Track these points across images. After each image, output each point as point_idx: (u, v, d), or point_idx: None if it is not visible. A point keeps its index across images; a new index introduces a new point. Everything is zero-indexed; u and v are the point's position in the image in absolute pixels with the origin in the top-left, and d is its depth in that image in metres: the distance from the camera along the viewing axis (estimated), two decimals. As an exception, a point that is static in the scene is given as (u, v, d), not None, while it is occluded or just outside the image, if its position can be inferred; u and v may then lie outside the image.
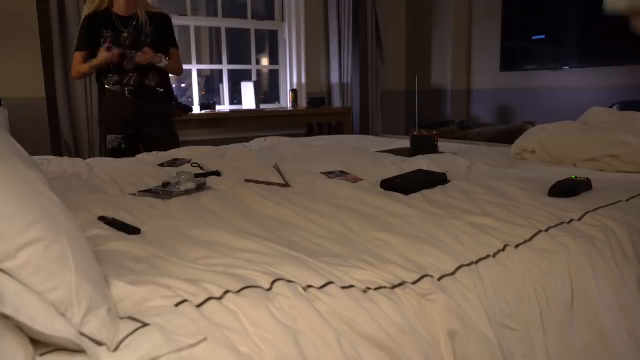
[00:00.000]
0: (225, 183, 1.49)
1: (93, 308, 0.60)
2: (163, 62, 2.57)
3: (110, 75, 2.59)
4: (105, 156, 2.52)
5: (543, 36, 4.22)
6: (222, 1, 4.29)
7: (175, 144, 2.68)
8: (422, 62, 5.06)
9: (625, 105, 3.37)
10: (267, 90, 4.80)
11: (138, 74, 2.59)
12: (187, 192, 1.39)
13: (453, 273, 0.88)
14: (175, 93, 3.97)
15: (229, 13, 4.37)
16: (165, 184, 1.43)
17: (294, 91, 4.44)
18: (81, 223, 1.05)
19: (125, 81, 2.59)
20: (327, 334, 0.69)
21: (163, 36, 2.64)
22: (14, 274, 0.56)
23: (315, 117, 4.49)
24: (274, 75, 4.74)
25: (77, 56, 2.60)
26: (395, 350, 0.72)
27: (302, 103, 4.56)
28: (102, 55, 2.49)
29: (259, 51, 4.68)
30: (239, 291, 0.72)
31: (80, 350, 0.57)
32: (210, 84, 4.59)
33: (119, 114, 2.63)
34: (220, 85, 4.40)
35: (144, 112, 2.65)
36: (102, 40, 2.53)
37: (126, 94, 2.60)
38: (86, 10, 2.60)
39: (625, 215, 1.17)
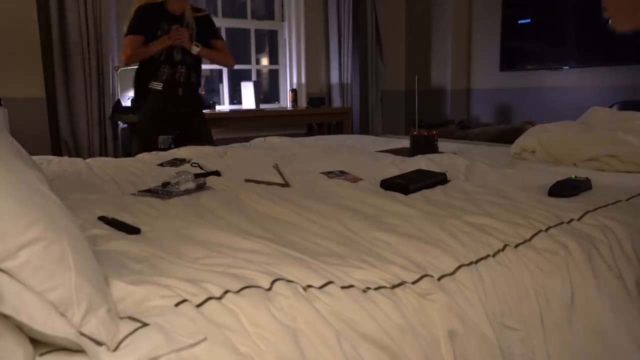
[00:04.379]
0: (225, 183, 1.49)
1: (93, 308, 0.60)
2: (194, 49, 2.68)
3: (163, 66, 2.68)
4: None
5: (529, 20, 4.23)
6: (222, 1, 4.29)
7: (212, 141, 2.81)
8: (422, 62, 5.06)
9: (625, 105, 3.37)
10: (267, 90, 4.80)
11: (186, 67, 2.72)
12: (187, 192, 1.39)
13: (453, 273, 0.88)
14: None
15: (229, 13, 4.37)
16: (165, 184, 1.43)
17: (294, 91, 4.44)
18: (81, 223, 1.05)
19: (177, 77, 2.70)
20: (327, 334, 0.69)
21: (205, 35, 2.78)
22: (14, 274, 0.56)
23: (315, 117, 4.48)
24: (274, 75, 4.74)
25: (134, 39, 2.65)
26: (395, 350, 0.72)
27: (302, 103, 4.55)
28: (172, 37, 2.61)
29: (259, 51, 4.68)
30: (239, 291, 0.72)
31: (80, 350, 0.57)
32: (210, 84, 4.59)
33: (172, 114, 2.73)
34: (220, 85, 4.40)
35: (191, 109, 2.79)
36: (158, 33, 2.64)
37: (179, 93, 2.72)
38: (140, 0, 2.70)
39: (625, 215, 1.17)
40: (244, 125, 4.03)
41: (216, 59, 2.90)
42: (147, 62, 2.70)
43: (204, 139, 2.70)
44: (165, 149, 2.62)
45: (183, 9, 2.70)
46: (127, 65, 2.82)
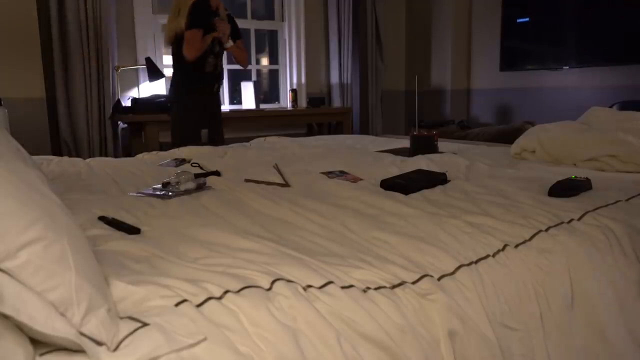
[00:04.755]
0: (225, 183, 1.49)
1: (93, 308, 0.60)
2: (229, 43, 2.85)
3: (209, 57, 2.81)
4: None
5: (527, 19, 4.24)
6: (222, 1, 4.28)
7: (224, 141, 2.91)
8: (422, 62, 5.06)
9: (625, 105, 3.37)
10: (267, 90, 4.80)
11: (220, 60, 2.90)
12: (187, 192, 1.39)
13: (453, 273, 0.88)
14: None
15: (229, 13, 4.36)
16: (165, 184, 1.43)
17: (294, 91, 4.44)
18: (81, 223, 1.05)
19: (218, 68, 2.88)
20: (327, 334, 0.69)
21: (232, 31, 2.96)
22: (14, 274, 0.56)
23: (315, 117, 4.48)
24: (274, 75, 4.74)
25: (198, 33, 2.72)
26: (395, 350, 0.72)
27: (302, 103, 4.55)
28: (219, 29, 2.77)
29: (259, 51, 4.68)
30: (239, 291, 0.72)
31: (80, 350, 0.57)
32: (210, 84, 4.58)
33: (205, 110, 2.89)
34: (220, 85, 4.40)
35: (215, 108, 2.98)
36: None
37: (215, 89, 2.91)
38: None
39: (625, 215, 1.17)
40: (244, 125, 4.03)
41: (238, 57, 3.02)
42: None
43: (218, 139, 2.85)
44: (204, 143, 2.79)
45: (219, 4, 2.85)
46: (193, 60, 2.82)
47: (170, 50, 2.88)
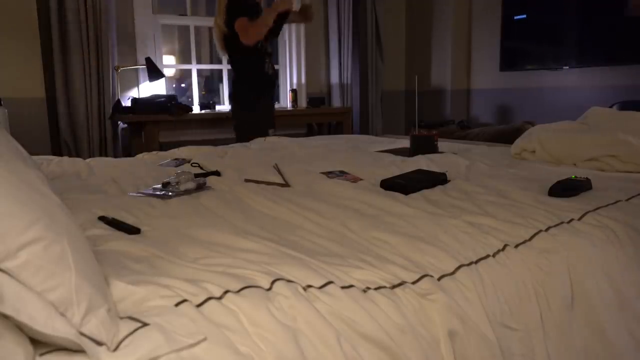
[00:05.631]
0: (225, 183, 1.49)
1: (93, 308, 0.60)
2: (296, 6, 3.00)
3: (266, 59, 2.95)
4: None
5: (524, 16, 4.24)
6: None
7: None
8: (422, 62, 5.06)
9: (625, 105, 3.37)
10: (267, 90, 4.79)
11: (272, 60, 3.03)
12: (187, 192, 1.39)
13: (453, 273, 0.88)
14: (174, 93, 3.99)
15: (229, 13, 4.35)
16: (165, 184, 1.43)
17: (294, 91, 4.44)
18: (81, 223, 1.05)
19: (274, 72, 3.01)
20: (327, 334, 0.69)
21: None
22: (14, 274, 0.56)
23: (315, 117, 4.48)
24: (274, 75, 4.73)
25: (244, 21, 2.78)
26: (395, 350, 0.72)
27: (302, 103, 4.55)
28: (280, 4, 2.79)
29: (259, 51, 4.68)
30: (239, 291, 0.72)
31: (80, 350, 0.57)
32: (210, 84, 4.58)
33: (272, 109, 3.08)
34: (220, 85, 4.40)
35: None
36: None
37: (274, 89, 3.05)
38: None
39: (626, 215, 1.17)
40: (244, 125, 4.03)
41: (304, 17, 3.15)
42: (255, 55, 2.88)
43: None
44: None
45: None
46: (253, 44, 2.86)
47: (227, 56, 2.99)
